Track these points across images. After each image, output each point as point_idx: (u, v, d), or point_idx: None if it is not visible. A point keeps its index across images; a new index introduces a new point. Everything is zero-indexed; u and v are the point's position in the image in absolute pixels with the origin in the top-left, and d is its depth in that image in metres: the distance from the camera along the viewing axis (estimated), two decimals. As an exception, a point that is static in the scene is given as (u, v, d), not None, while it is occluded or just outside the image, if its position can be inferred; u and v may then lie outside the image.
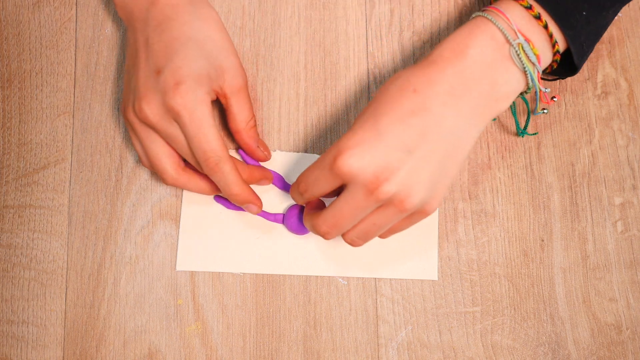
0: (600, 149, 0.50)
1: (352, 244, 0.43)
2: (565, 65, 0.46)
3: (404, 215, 0.41)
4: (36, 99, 0.49)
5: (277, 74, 0.50)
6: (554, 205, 0.49)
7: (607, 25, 0.45)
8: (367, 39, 0.51)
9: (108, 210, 0.48)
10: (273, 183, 0.48)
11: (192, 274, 0.48)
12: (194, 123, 0.42)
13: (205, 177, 0.45)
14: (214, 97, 0.44)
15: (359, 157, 0.39)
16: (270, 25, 0.51)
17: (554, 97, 0.44)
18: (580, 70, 0.51)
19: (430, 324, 0.48)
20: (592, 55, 0.51)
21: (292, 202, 0.48)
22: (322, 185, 0.41)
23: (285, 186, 0.48)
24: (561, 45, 0.43)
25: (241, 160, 0.48)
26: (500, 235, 0.49)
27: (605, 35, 0.52)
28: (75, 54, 0.50)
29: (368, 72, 0.51)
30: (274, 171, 0.48)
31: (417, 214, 0.42)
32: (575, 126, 0.51)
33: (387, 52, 0.51)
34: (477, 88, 0.41)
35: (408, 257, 0.48)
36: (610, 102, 0.51)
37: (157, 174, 0.44)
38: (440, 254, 0.49)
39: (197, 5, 0.45)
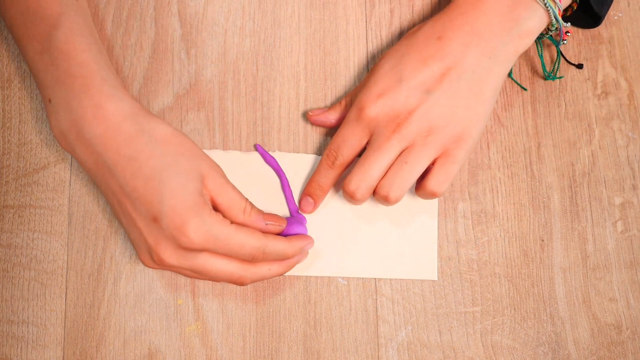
0: (600, 149, 0.50)
1: (388, 196, 0.43)
2: (587, 15, 0.47)
3: (432, 150, 0.42)
4: (36, 99, 0.49)
5: (277, 74, 0.50)
6: (554, 205, 0.49)
7: None
8: (367, 39, 0.51)
9: (108, 210, 0.48)
10: (283, 188, 0.48)
11: (192, 274, 0.48)
12: (223, 244, 0.41)
13: None
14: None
15: (382, 104, 0.42)
16: (270, 25, 0.51)
17: (568, 31, 0.46)
18: (580, 70, 0.51)
19: (430, 324, 0.48)
20: (592, 55, 0.51)
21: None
22: (351, 141, 0.43)
23: (288, 190, 0.48)
24: None
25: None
26: (500, 235, 0.49)
27: (606, 35, 0.52)
28: (75, 54, 0.50)
29: (368, 72, 0.51)
30: (284, 174, 0.48)
31: (451, 149, 0.42)
32: (575, 126, 0.51)
33: (387, 52, 0.51)
34: (500, 26, 0.42)
35: (408, 257, 0.48)
36: (610, 102, 0.51)
37: (233, 283, 0.44)
38: (440, 254, 0.49)
39: (148, 130, 0.41)
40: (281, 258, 0.44)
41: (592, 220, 0.49)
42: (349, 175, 0.43)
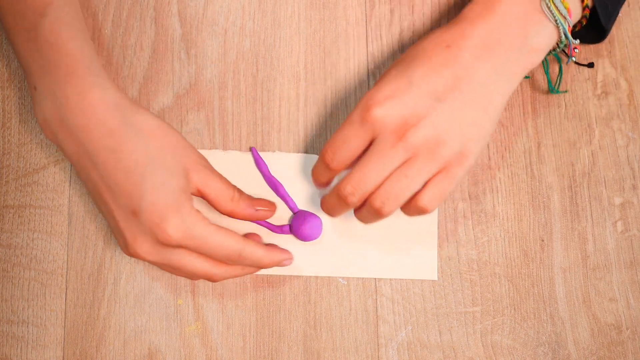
0: (600, 149, 0.50)
1: (383, 207, 0.40)
2: (593, 30, 0.47)
3: (435, 166, 0.40)
4: (36, 99, 0.49)
5: (277, 74, 0.50)
6: (554, 205, 0.49)
7: None
8: (367, 39, 0.51)
9: (108, 210, 0.48)
10: (276, 192, 0.48)
11: (192, 274, 0.48)
12: (200, 243, 0.41)
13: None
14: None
15: (390, 107, 0.39)
16: (270, 25, 0.51)
17: (576, 47, 0.45)
18: (580, 70, 0.51)
19: (430, 324, 0.48)
20: (592, 55, 0.51)
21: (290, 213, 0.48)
22: (352, 144, 0.40)
23: (285, 194, 0.48)
24: (589, 0, 0.44)
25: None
26: (500, 235, 0.49)
27: (605, 35, 0.52)
28: (75, 54, 0.50)
29: (368, 72, 0.51)
30: (276, 179, 0.48)
31: (452, 167, 0.40)
32: (575, 126, 0.51)
33: (387, 52, 0.51)
34: (510, 41, 0.42)
35: (408, 257, 0.48)
36: (610, 102, 0.51)
37: (205, 279, 0.44)
38: (440, 254, 0.49)
39: (133, 122, 0.41)
40: (256, 265, 0.44)
41: (592, 220, 0.49)
42: (346, 178, 0.41)
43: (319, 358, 0.47)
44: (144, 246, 0.41)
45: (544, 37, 0.43)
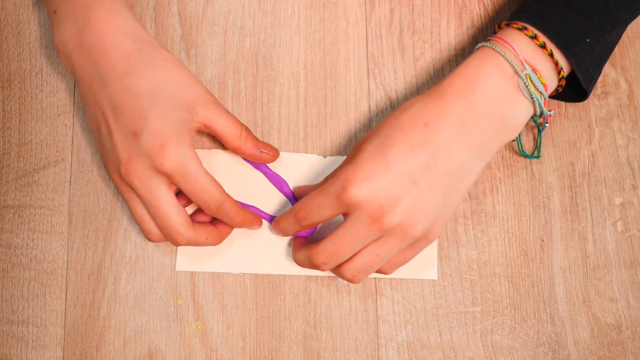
0: (600, 149, 0.50)
1: (353, 279, 0.43)
2: (573, 88, 0.46)
3: (405, 244, 0.41)
4: (36, 99, 0.49)
5: (277, 74, 0.50)
6: (554, 205, 0.49)
7: (612, 47, 0.45)
8: (367, 39, 0.51)
9: (108, 210, 0.48)
10: (281, 190, 0.48)
11: (192, 274, 0.48)
12: (190, 179, 0.42)
13: (211, 225, 0.46)
14: (195, 135, 0.44)
15: (366, 189, 0.40)
16: (270, 25, 0.51)
17: (551, 110, 0.44)
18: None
19: (430, 324, 0.48)
20: (592, 55, 0.51)
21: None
22: (325, 212, 0.42)
23: (289, 192, 0.48)
24: (566, 70, 0.43)
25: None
26: (500, 235, 0.49)
27: (605, 35, 0.52)
28: (75, 54, 0.50)
29: (368, 72, 0.51)
30: (280, 177, 0.48)
31: (418, 243, 0.42)
32: (575, 126, 0.51)
33: (387, 52, 0.51)
34: (488, 122, 0.41)
35: (408, 257, 0.48)
36: (610, 102, 0.51)
37: (167, 237, 0.44)
38: (440, 254, 0.49)
39: (147, 52, 0.43)
40: (229, 222, 0.45)
41: (592, 220, 0.49)
42: (320, 246, 0.42)
43: (319, 358, 0.47)
44: (137, 168, 0.41)
45: (521, 116, 0.42)
